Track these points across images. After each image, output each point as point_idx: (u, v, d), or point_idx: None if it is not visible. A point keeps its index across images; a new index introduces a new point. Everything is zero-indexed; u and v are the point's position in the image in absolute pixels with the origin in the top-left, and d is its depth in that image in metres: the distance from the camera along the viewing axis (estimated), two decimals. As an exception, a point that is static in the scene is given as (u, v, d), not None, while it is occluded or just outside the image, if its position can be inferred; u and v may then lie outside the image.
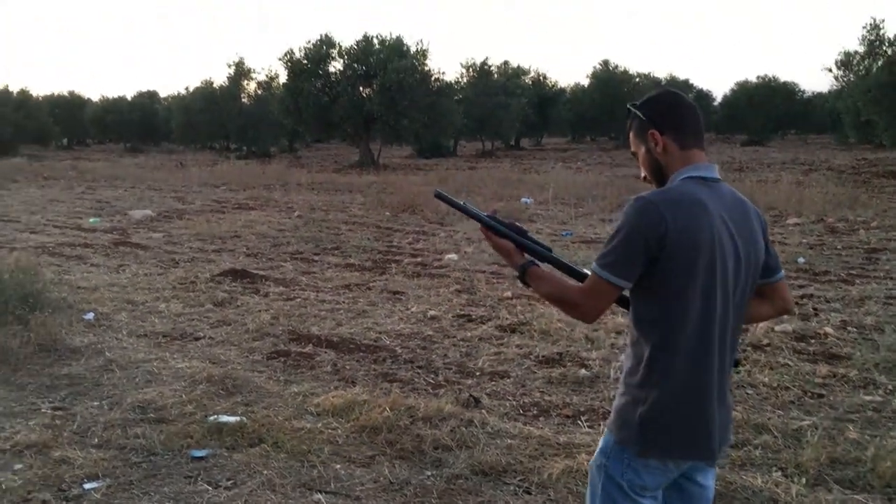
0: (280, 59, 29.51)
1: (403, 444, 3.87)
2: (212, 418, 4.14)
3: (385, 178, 22.00)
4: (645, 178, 2.02)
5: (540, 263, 2.06)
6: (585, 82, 45.79)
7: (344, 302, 7.00)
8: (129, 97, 50.53)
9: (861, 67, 25.58)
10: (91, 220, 12.85)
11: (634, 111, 1.98)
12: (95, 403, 4.45)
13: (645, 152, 1.97)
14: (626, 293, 1.90)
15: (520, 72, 41.36)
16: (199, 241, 10.59)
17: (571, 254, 9.11)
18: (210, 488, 3.46)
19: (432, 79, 29.50)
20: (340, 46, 29.62)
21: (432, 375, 5.03)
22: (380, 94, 27.71)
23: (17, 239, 10.56)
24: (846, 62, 26.41)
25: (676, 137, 1.91)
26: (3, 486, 3.41)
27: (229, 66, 37.47)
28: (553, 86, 44.79)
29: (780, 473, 3.56)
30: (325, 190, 18.69)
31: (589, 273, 1.89)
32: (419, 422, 4.12)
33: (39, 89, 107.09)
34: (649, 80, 44.02)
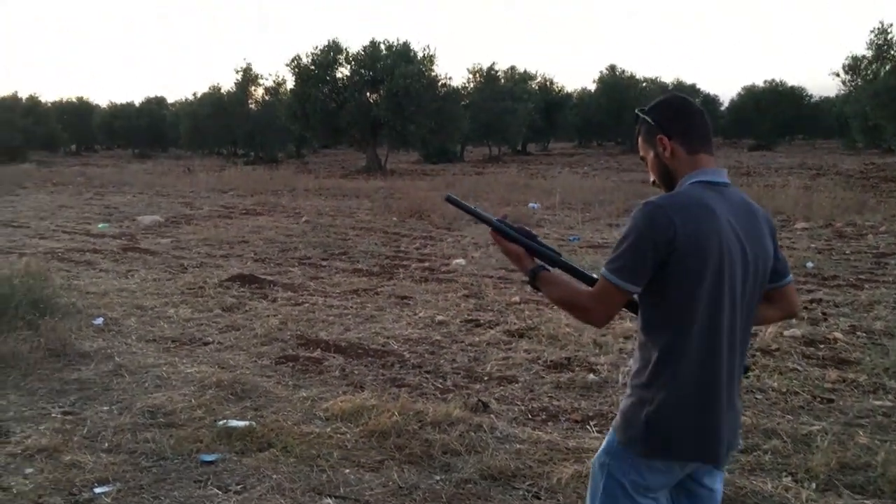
0: (287, 65, 29.73)
1: (412, 449, 3.88)
2: (221, 423, 4.16)
3: (392, 183, 22.05)
4: (654, 182, 2.03)
5: (550, 268, 2.07)
6: (592, 87, 45.86)
7: (352, 307, 7.02)
8: (136, 103, 50.94)
9: (869, 72, 25.56)
10: (100, 225, 12.92)
11: (643, 116, 1.99)
12: (105, 408, 4.47)
13: (653, 157, 1.98)
14: (635, 297, 1.91)
15: (526, 77, 41.45)
16: (207, 246, 10.63)
17: (579, 259, 9.09)
18: (220, 492, 3.47)
19: (439, 84, 29.58)
20: (348, 52, 29.78)
21: (440, 380, 5.03)
22: (387, 100, 27.80)
23: (27, 244, 10.63)
24: (854, 66, 26.38)
25: (684, 142, 1.92)
26: (15, 490, 3.43)
27: (237, 71, 37.68)
28: (560, 91, 44.85)
29: (790, 478, 3.54)
30: (333, 195, 18.74)
31: (598, 278, 1.90)
32: (428, 426, 4.13)
33: (48, 95, 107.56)
34: (656, 85, 43.96)
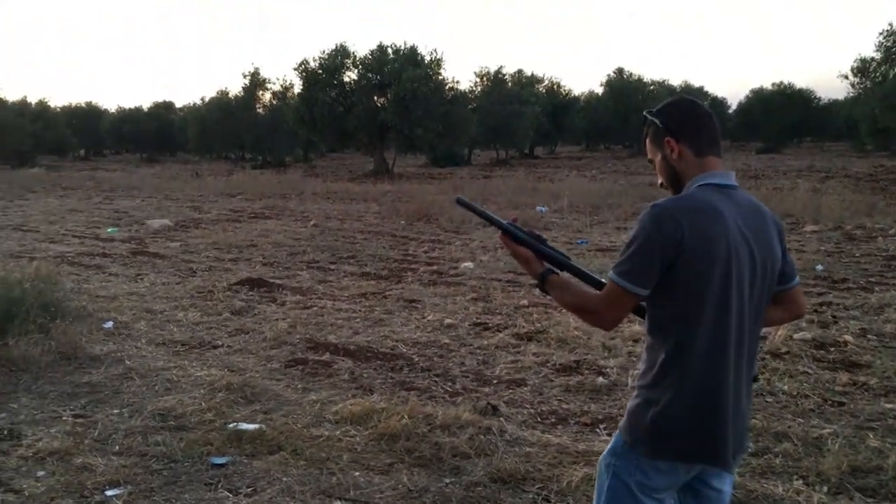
0: (295, 69, 29.81)
1: (422, 452, 3.88)
2: (231, 426, 4.17)
3: (400, 186, 22.08)
4: (662, 184, 2.03)
5: (558, 271, 2.07)
6: (599, 90, 45.87)
7: (360, 310, 7.03)
8: (145, 107, 51.27)
9: (878, 74, 25.47)
10: (109, 229, 12.98)
11: (651, 118, 1.99)
12: (116, 411, 4.49)
13: (661, 159, 1.98)
14: (643, 301, 1.91)
15: (533, 80, 41.41)
16: (215, 250, 10.67)
17: (587, 262, 9.09)
18: (230, 495, 3.48)
19: (446, 88, 29.65)
20: (355, 56, 29.87)
21: (450, 383, 5.04)
22: (394, 104, 27.86)
23: (37, 248, 10.69)
24: (862, 68, 26.29)
25: (692, 144, 1.92)
26: (27, 493, 3.45)
27: (244, 76, 37.87)
28: (567, 94, 44.87)
29: (801, 481, 3.53)
30: (340, 199, 18.77)
31: (607, 281, 1.91)
32: (437, 430, 4.13)
33: (57, 100, 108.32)
34: (664, 88, 43.97)
